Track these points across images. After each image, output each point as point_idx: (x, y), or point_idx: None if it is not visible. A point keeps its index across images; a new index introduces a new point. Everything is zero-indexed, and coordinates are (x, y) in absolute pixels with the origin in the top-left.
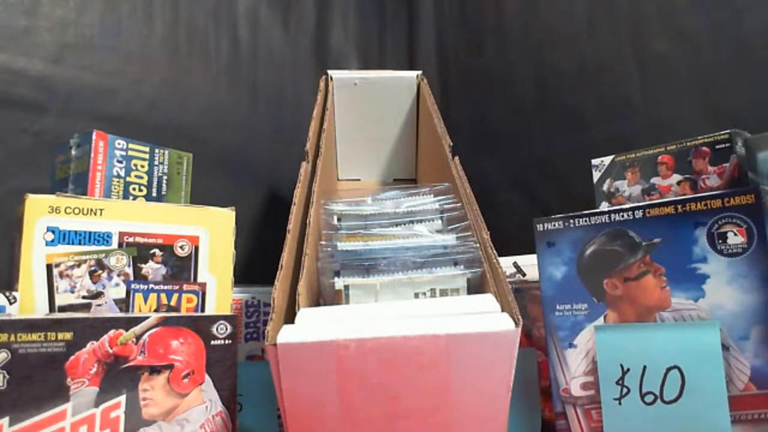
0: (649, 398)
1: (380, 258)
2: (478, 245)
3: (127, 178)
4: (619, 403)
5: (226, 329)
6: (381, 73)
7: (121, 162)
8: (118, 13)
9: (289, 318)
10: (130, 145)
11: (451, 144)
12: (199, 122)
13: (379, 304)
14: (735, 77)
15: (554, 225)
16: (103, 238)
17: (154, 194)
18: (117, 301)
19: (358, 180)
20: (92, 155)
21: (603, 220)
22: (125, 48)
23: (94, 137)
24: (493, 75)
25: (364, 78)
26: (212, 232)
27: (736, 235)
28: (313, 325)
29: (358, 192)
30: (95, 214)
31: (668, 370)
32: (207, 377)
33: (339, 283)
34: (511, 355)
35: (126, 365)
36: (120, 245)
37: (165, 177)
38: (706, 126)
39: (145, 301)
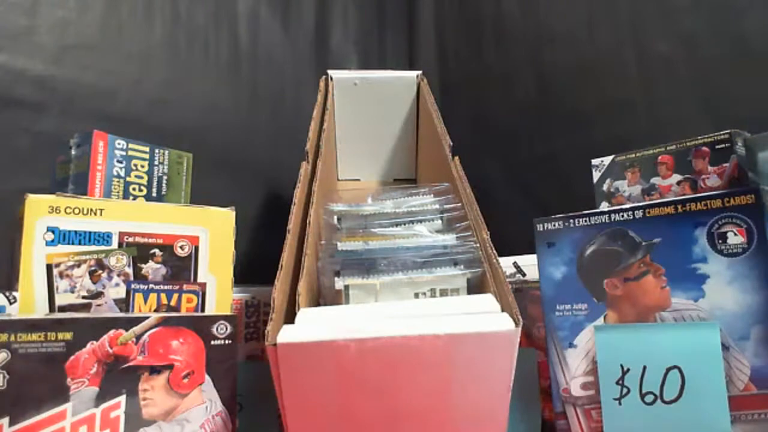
0: (649, 398)
1: (380, 258)
2: (478, 245)
3: (127, 178)
4: (619, 403)
5: (226, 329)
6: (381, 73)
7: (121, 162)
8: (119, 13)
9: (289, 318)
10: (130, 145)
11: (451, 144)
12: (199, 122)
13: (379, 304)
14: (735, 77)
15: (554, 225)
16: (103, 238)
17: (154, 194)
18: (117, 301)
19: (358, 180)
20: (92, 155)
21: (603, 220)
22: (125, 48)
23: (93, 137)
24: (493, 75)
25: (364, 78)
26: (212, 232)
27: (736, 235)
28: (313, 325)
29: (358, 192)
30: (95, 214)
31: (668, 370)
32: (207, 377)
33: (339, 283)
34: (511, 355)
35: (126, 365)
36: (120, 245)
37: (165, 177)
38: (706, 126)
39: (145, 301)
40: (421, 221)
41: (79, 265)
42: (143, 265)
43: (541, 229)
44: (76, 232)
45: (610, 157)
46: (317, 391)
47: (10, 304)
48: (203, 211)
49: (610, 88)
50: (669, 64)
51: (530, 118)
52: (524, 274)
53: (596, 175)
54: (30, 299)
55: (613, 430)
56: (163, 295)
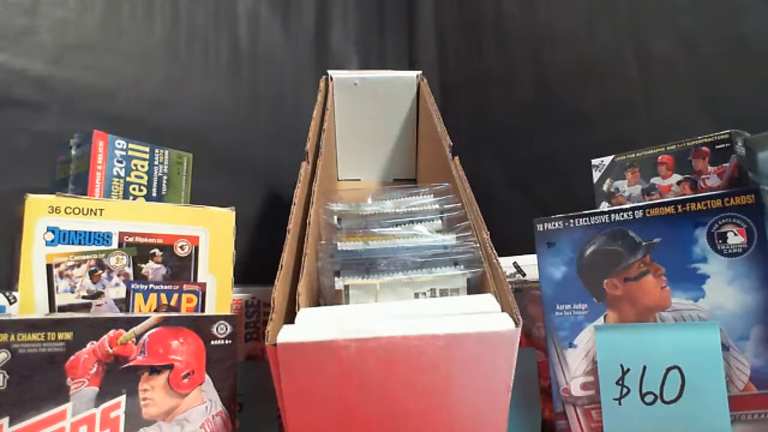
0: (649, 398)
1: (380, 258)
2: (478, 245)
3: (127, 178)
4: (619, 403)
5: (226, 329)
6: (381, 73)
7: (121, 162)
8: (119, 13)
9: (289, 318)
10: (130, 145)
11: (451, 144)
12: (199, 122)
13: (379, 304)
14: (735, 77)
15: (554, 225)
16: (103, 238)
17: (154, 194)
18: (117, 301)
19: (358, 180)
20: (92, 155)
21: (603, 220)
22: (125, 48)
23: (94, 137)
24: (493, 75)
25: (364, 78)
26: (212, 232)
27: (736, 235)
28: (313, 325)
29: (358, 192)
30: (95, 214)
31: (668, 370)
32: (207, 377)
33: (339, 283)
34: (511, 355)
35: (126, 365)
36: (120, 245)
37: (165, 177)
38: (706, 126)
39: (145, 301)
40: (421, 221)
41: (79, 265)
42: (143, 265)
43: (541, 229)
44: (76, 232)
45: (610, 157)
46: (317, 391)
47: (10, 304)
48: (203, 211)
49: (610, 88)
50: (669, 64)
51: (530, 118)
52: (524, 274)
53: (596, 175)
54: (30, 299)
55: (613, 430)
56: (163, 295)
